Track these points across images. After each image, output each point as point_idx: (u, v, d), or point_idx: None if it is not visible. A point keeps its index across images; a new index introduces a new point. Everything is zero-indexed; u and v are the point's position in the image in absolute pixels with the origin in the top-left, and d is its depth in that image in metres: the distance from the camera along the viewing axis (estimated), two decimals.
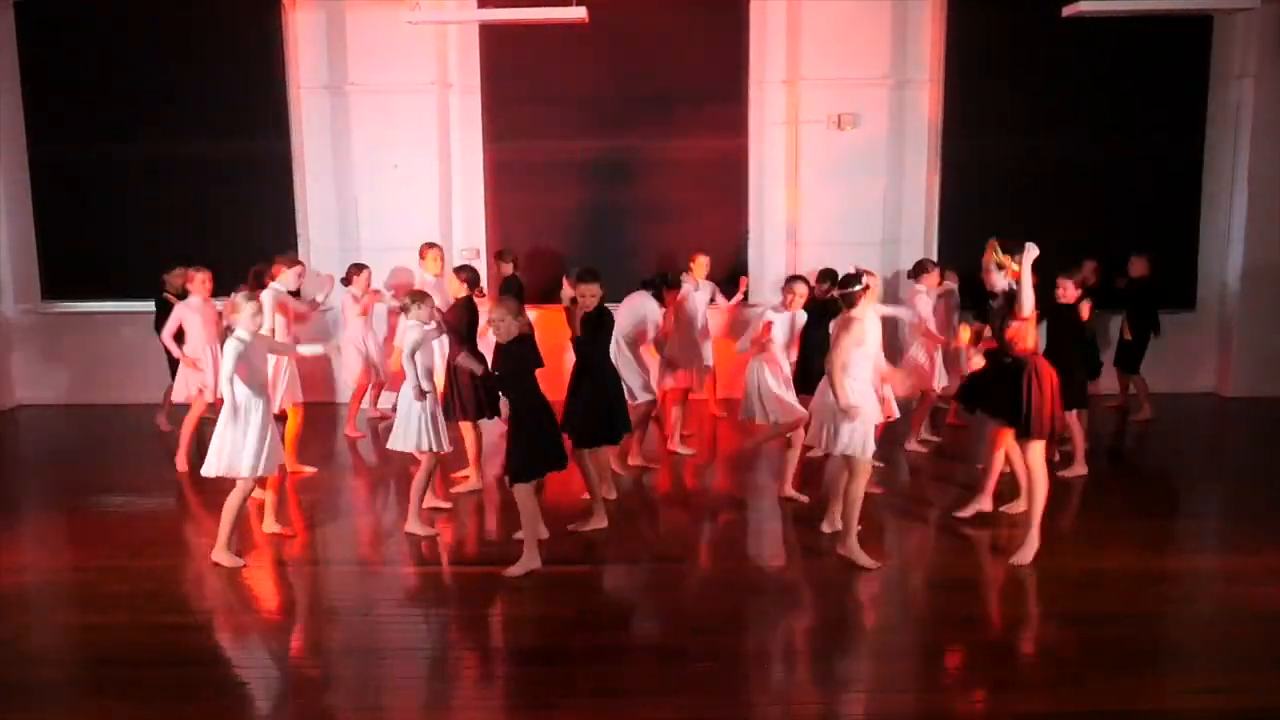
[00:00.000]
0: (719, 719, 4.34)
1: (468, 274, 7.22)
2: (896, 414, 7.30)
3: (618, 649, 4.95)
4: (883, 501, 7.08)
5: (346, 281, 8.88)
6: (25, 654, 4.96)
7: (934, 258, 9.33)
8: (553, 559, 5.93)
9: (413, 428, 6.29)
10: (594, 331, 6.39)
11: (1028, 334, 5.86)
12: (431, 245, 8.77)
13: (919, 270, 8.26)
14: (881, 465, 7.79)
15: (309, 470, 7.71)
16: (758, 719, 4.44)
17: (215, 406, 6.21)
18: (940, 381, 8.18)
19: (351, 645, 5.04)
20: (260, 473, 5.87)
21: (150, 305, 9.09)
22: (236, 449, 5.79)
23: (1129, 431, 8.93)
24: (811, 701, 4.53)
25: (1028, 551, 5.84)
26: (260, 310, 5.97)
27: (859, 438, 5.71)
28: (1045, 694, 4.49)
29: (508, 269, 9.16)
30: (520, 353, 5.79)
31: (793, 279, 7.01)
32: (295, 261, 7.77)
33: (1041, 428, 5.79)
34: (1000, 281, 6.01)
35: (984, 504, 6.54)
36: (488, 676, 4.79)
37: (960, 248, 9.74)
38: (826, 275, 8.00)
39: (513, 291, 8.65)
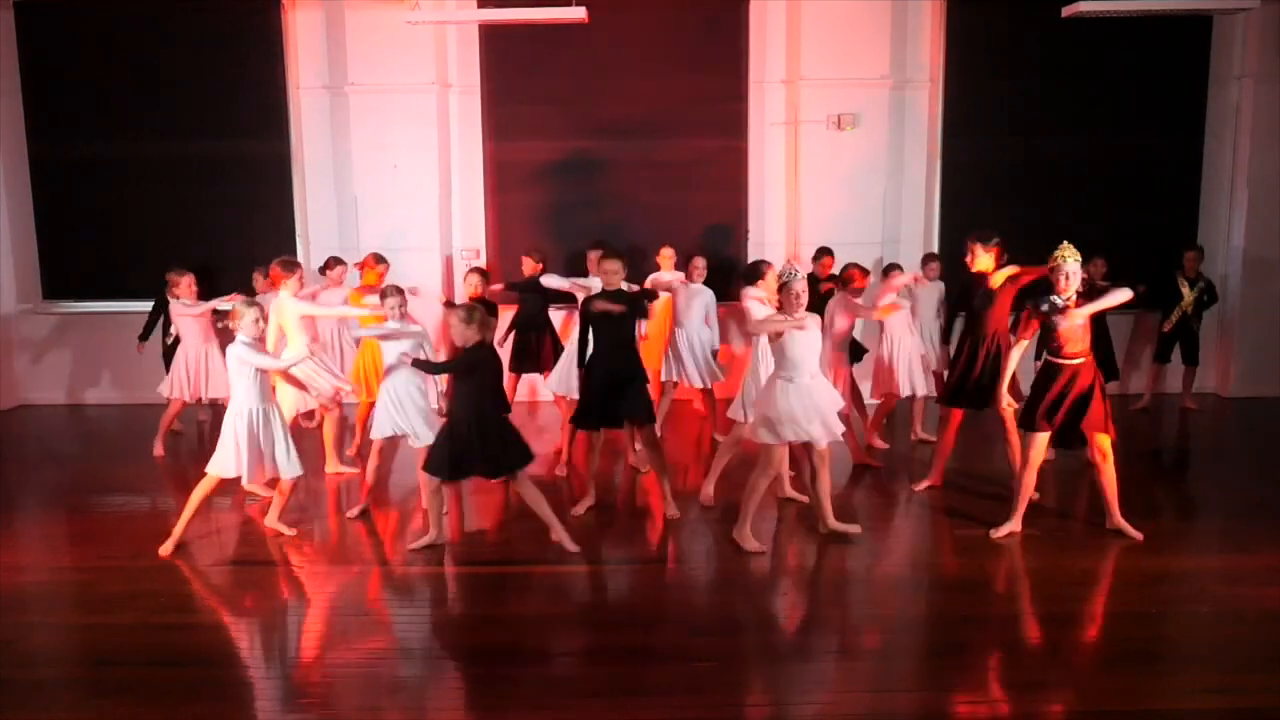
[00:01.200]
0: (719, 719, 4.34)
1: (479, 275, 7.28)
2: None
3: (617, 649, 4.94)
4: (883, 501, 7.09)
5: (323, 271, 8.72)
6: (25, 654, 4.96)
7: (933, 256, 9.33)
8: (552, 559, 5.94)
9: (382, 416, 6.52)
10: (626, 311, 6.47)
11: (1077, 335, 5.93)
12: (381, 260, 8.47)
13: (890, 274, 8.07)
14: (880, 466, 7.82)
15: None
16: (757, 719, 4.44)
17: (221, 405, 6.26)
18: (917, 388, 8.07)
19: (351, 645, 5.04)
20: (233, 475, 6.06)
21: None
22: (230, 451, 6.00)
23: (1130, 431, 8.91)
24: (812, 701, 4.53)
25: (1008, 528, 6.22)
26: (261, 317, 6.08)
27: (764, 427, 5.91)
28: (1045, 694, 4.49)
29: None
30: (468, 360, 5.90)
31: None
32: (296, 266, 7.44)
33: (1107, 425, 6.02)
34: (1066, 282, 6.00)
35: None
36: (488, 677, 4.79)
37: (960, 247, 9.74)
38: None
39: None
